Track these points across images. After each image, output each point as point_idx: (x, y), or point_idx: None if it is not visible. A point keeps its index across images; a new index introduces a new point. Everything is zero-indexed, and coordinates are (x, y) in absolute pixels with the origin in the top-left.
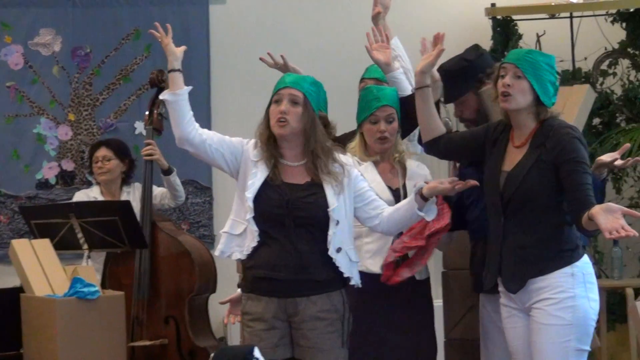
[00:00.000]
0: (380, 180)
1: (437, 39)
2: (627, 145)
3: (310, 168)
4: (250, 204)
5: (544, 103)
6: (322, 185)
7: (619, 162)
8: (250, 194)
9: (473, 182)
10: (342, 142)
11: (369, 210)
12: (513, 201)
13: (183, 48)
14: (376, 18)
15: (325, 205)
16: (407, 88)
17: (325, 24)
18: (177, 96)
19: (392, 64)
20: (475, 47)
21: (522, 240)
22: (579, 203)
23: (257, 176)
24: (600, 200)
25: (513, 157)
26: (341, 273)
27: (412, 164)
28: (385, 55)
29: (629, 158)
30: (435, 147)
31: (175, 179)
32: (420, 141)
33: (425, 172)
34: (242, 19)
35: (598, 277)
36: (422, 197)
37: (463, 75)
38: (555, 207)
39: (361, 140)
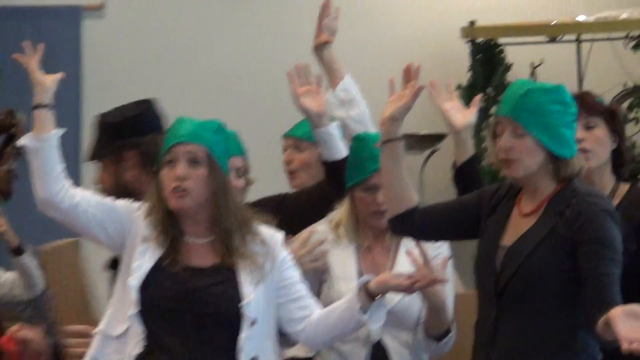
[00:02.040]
0: (354, 269)
1: (409, 73)
2: None
3: (220, 246)
4: (134, 294)
5: (562, 156)
6: (234, 271)
7: None
8: (135, 280)
9: (441, 279)
10: (272, 205)
11: (293, 310)
12: (511, 287)
13: (56, 77)
14: (321, 49)
15: (237, 297)
16: (340, 150)
17: (215, 43)
18: (43, 142)
19: (325, 117)
20: (142, 103)
21: (518, 345)
22: (596, 300)
23: (146, 257)
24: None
25: (518, 228)
26: None
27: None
28: (317, 103)
29: None
30: (406, 224)
31: (28, 260)
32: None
33: (439, 251)
34: (121, 35)
35: None
36: (368, 295)
37: (109, 132)
38: (567, 302)
39: (351, 211)
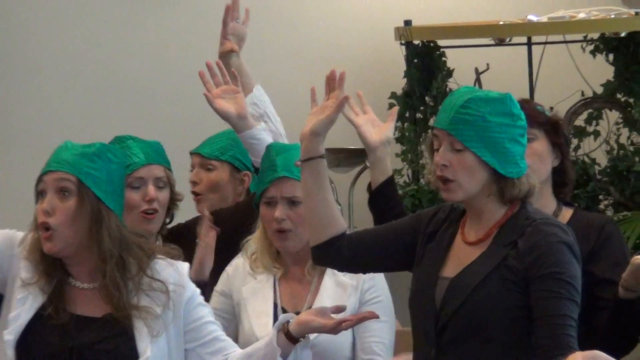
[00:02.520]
0: (270, 303)
1: (333, 81)
2: None
3: (111, 293)
4: (10, 352)
5: (509, 175)
6: (129, 322)
7: None
8: (11, 335)
9: (372, 315)
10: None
11: (205, 356)
12: (453, 325)
13: None
14: (227, 57)
15: (131, 355)
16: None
17: (127, 46)
18: None
19: (248, 118)
20: None
21: None
22: (550, 345)
23: (25, 305)
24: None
25: (462, 257)
26: None
27: (331, 273)
28: (237, 103)
29: None
30: (330, 254)
31: None
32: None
33: (353, 281)
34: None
35: None
36: (289, 337)
37: None
38: (517, 344)
39: (263, 233)
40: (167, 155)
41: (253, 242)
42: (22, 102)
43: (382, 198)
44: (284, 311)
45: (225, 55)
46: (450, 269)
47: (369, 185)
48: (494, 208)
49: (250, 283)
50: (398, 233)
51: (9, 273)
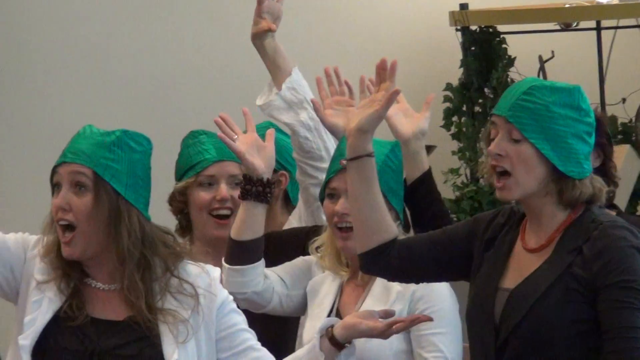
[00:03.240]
0: (327, 307)
1: (383, 72)
2: None
3: (134, 294)
4: (26, 357)
5: (570, 175)
6: (154, 326)
7: None
8: (26, 340)
9: (425, 318)
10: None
11: None
12: (515, 340)
13: None
14: (261, 38)
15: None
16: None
17: (140, 38)
18: None
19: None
20: None
21: None
22: (621, 359)
23: (41, 308)
24: None
25: (523, 266)
26: None
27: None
28: (347, 117)
29: None
30: (379, 261)
31: None
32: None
33: (401, 287)
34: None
35: None
36: (334, 342)
37: None
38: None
39: (330, 232)
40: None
41: (320, 242)
42: (42, 99)
43: (418, 195)
44: (339, 316)
45: (260, 36)
46: (511, 280)
47: (404, 181)
48: (554, 210)
49: (317, 277)
50: (452, 239)
51: (22, 278)
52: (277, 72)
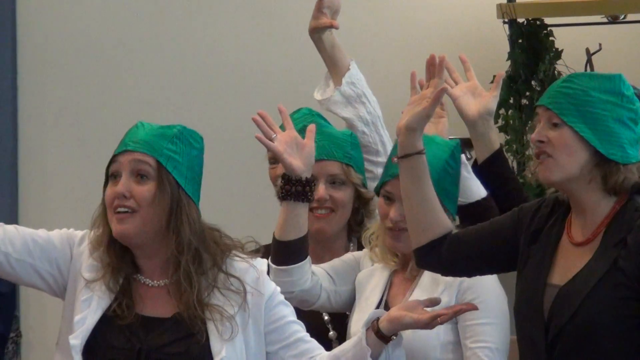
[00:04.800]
0: (376, 298)
1: (432, 67)
2: None
3: (181, 290)
4: (76, 357)
5: (612, 158)
6: (201, 323)
7: None
8: (77, 339)
9: (470, 307)
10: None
11: (288, 359)
12: (565, 339)
13: None
14: (319, 32)
15: (205, 357)
16: (477, 191)
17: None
18: None
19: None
20: None
21: None
22: None
23: (90, 307)
24: None
25: (570, 262)
26: None
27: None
28: (437, 129)
29: None
30: (432, 256)
31: None
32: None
33: (449, 278)
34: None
35: None
36: (380, 335)
37: None
38: (638, 356)
39: (382, 225)
40: (356, 149)
41: (371, 231)
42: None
43: (490, 175)
44: (387, 308)
45: (318, 31)
46: (558, 275)
47: (474, 162)
48: (599, 199)
49: (366, 269)
50: (499, 231)
51: (70, 275)
52: (335, 67)
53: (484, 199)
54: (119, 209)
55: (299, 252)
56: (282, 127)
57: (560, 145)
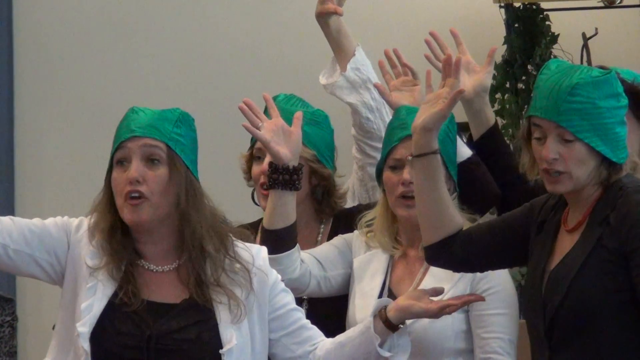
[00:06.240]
0: (378, 283)
1: (449, 67)
2: None
3: (189, 275)
4: (85, 345)
5: (621, 162)
6: (209, 308)
7: None
8: (84, 327)
9: (477, 298)
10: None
11: (291, 346)
12: (560, 321)
13: None
14: (326, 17)
15: (215, 343)
16: (465, 152)
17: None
18: None
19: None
20: None
21: None
22: None
23: (96, 294)
24: None
25: (563, 246)
26: None
27: None
28: (412, 97)
29: None
30: (444, 254)
31: None
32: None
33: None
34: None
35: None
36: (388, 324)
37: None
38: (633, 328)
39: (384, 206)
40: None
41: (370, 216)
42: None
43: (486, 150)
44: (391, 294)
45: (324, 16)
46: (554, 261)
47: (469, 137)
48: (591, 189)
49: (364, 255)
50: (511, 226)
51: (68, 262)
52: (340, 52)
53: (469, 159)
54: (133, 194)
55: (287, 240)
56: (268, 116)
57: (574, 160)
